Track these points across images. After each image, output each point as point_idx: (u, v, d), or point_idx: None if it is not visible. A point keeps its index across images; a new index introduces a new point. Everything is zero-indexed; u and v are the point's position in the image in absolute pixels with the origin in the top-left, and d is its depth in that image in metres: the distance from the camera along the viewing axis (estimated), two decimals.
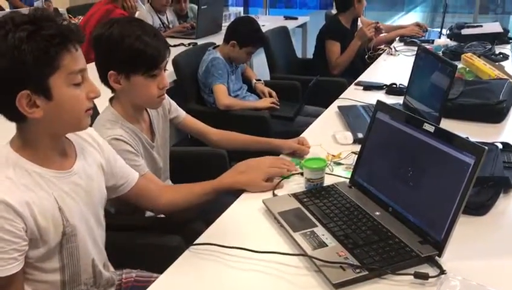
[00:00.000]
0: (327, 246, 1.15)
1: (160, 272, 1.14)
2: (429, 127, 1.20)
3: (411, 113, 1.32)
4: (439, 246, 1.10)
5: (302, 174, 1.51)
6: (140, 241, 1.48)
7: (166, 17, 4.31)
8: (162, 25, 4.19)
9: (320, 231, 1.22)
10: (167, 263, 1.15)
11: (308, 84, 2.75)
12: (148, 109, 1.64)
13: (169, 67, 2.67)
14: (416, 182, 1.21)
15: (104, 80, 1.48)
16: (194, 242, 1.21)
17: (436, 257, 1.11)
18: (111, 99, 1.56)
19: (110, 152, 1.30)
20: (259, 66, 3.91)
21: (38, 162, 1.07)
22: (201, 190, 1.46)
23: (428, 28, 4.08)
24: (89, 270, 1.21)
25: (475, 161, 1.07)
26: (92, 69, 1.14)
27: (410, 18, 11.57)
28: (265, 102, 2.85)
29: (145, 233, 1.50)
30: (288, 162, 1.61)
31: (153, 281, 1.34)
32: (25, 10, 1.11)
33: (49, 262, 1.11)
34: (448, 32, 3.78)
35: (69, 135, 1.18)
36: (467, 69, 2.62)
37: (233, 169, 1.55)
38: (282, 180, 1.52)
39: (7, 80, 0.98)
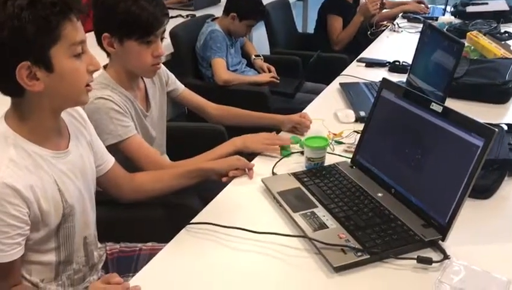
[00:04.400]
0: (328, 227, 1.12)
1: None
2: (437, 107, 1.16)
3: (418, 92, 1.27)
4: (443, 230, 1.07)
5: (302, 152, 1.47)
6: (122, 214, 1.45)
7: None
8: None
9: (320, 211, 1.18)
10: (150, 235, 1.10)
11: (308, 60, 2.68)
12: (143, 78, 1.59)
13: (167, 39, 2.61)
14: (421, 164, 1.17)
15: (99, 42, 1.43)
16: (191, 221, 1.18)
17: (440, 241, 1.08)
18: (105, 66, 1.51)
19: (93, 131, 1.26)
20: (259, 40, 3.83)
21: (36, 141, 1.03)
22: (177, 175, 1.39)
23: (432, 5, 3.99)
24: (81, 248, 1.18)
25: (484, 144, 1.04)
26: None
27: None
28: (265, 77, 2.80)
29: (128, 206, 1.44)
30: (282, 137, 1.60)
31: (138, 250, 1.33)
32: None
33: (45, 243, 1.08)
34: (452, 9, 3.70)
35: (61, 113, 1.12)
36: (472, 47, 2.56)
37: (229, 142, 1.55)
38: (282, 158, 1.49)
39: (7, 50, 0.93)
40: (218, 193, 1.33)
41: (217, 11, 3.10)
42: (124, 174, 1.35)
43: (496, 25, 3.04)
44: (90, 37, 1.44)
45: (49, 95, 1.00)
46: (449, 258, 1.03)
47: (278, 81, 2.79)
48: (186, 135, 1.99)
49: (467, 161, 1.06)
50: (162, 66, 1.61)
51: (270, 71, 2.91)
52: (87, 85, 1.06)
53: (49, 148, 1.05)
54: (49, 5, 0.93)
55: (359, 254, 1.03)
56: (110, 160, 1.30)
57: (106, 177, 1.29)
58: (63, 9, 0.95)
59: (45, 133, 1.06)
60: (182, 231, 1.16)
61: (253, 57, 2.99)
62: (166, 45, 2.68)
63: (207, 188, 1.47)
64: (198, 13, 3.46)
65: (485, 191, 1.29)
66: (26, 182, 0.98)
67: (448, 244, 1.07)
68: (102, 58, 1.50)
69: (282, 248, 1.09)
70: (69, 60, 0.99)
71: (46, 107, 1.03)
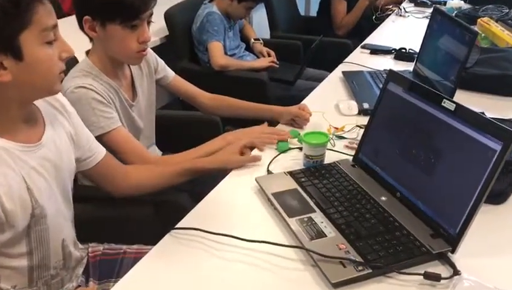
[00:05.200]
0: (326, 236, 1.02)
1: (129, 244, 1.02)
2: (449, 104, 1.05)
3: (429, 87, 1.15)
4: (454, 242, 0.97)
5: (301, 148, 1.37)
6: (107, 212, 1.36)
7: None
8: None
9: (318, 217, 1.08)
10: (137, 235, 1.01)
11: (310, 45, 2.55)
12: (130, 65, 1.47)
13: (161, 21, 2.49)
14: (430, 166, 1.07)
15: (81, 26, 1.32)
16: (177, 226, 1.07)
17: (449, 253, 0.98)
18: (88, 52, 1.40)
19: (78, 120, 1.15)
20: (259, 23, 3.69)
21: (1, 134, 0.93)
22: (173, 172, 1.30)
23: None
24: (59, 252, 1.09)
25: (502, 147, 0.93)
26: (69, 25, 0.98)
27: None
28: (263, 61, 2.68)
29: (113, 204, 1.35)
30: (280, 131, 1.48)
31: (122, 253, 1.25)
32: None
33: (14, 247, 0.98)
34: None
35: (37, 101, 1.02)
36: (483, 34, 2.43)
37: (221, 138, 1.44)
38: (279, 154, 1.38)
39: None
40: (209, 189, 1.22)
41: None
42: (117, 166, 1.26)
43: (507, 10, 2.89)
44: (72, 21, 1.34)
45: (18, 86, 0.91)
46: (459, 274, 0.93)
47: (278, 66, 2.67)
48: (178, 125, 1.88)
49: (482, 165, 0.95)
50: (151, 51, 1.50)
51: (269, 56, 2.78)
52: (61, 72, 0.97)
53: (17, 141, 0.95)
54: None
55: (360, 268, 0.93)
56: (101, 151, 1.20)
57: (97, 170, 1.19)
58: None
59: (12, 124, 0.95)
60: (166, 236, 1.06)
61: (253, 40, 2.86)
62: (161, 28, 2.56)
63: (199, 182, 1.37)
64: None
65: (498, 195, 1.18)
66: None
67: (457, 257, 0.97)
68: (85, 43, 1.40)
69: (275, 259, 0.99)
70: (40, 48, 0.90)
71: (13, 99, 0.93)
